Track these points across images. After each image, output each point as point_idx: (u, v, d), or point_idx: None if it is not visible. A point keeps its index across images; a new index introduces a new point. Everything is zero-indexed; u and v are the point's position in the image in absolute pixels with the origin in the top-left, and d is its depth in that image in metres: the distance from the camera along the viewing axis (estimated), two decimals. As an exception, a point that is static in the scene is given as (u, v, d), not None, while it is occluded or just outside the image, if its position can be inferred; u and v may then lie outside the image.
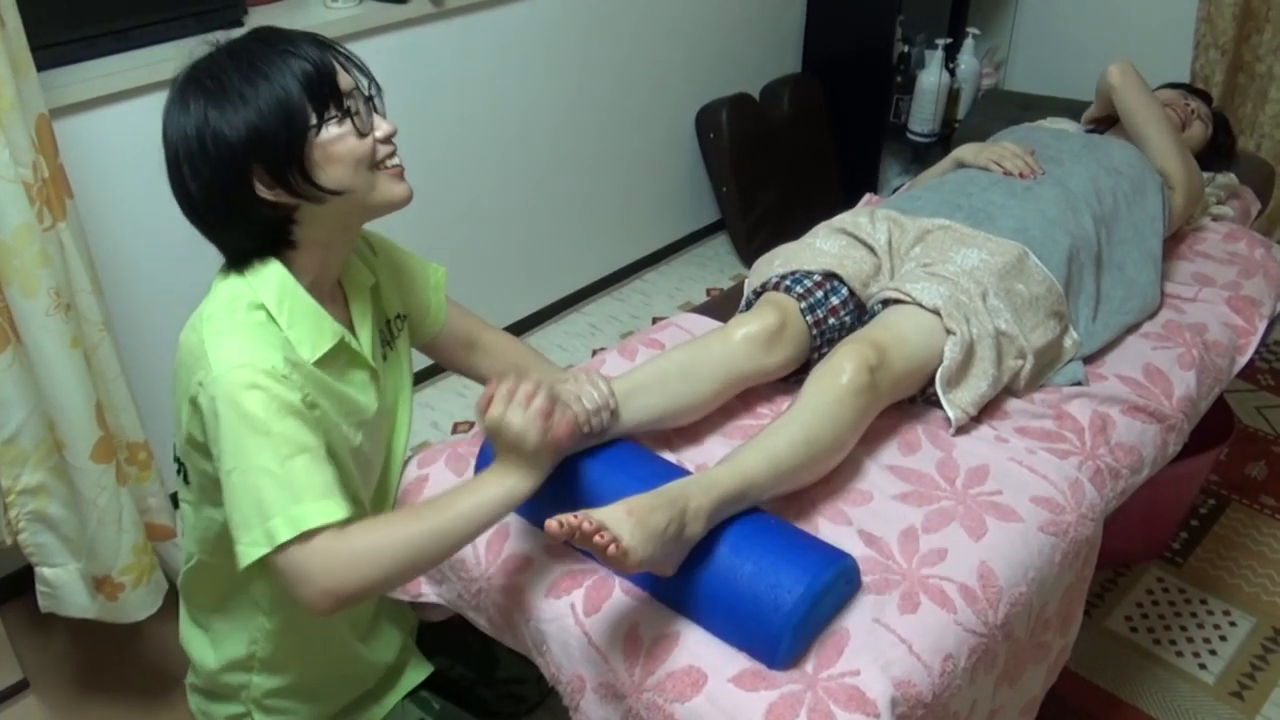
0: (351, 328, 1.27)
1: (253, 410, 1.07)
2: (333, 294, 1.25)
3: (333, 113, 1.12)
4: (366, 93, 1.15)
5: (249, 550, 1.07)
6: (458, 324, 1.47)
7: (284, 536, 1.05)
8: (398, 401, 1.38)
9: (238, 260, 1.17)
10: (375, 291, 1.33)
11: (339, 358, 1.21)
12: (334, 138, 1.12)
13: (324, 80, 1.11)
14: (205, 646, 1.35)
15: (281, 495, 1.06)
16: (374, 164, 1.15)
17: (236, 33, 1.15)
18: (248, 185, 1.10)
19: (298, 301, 1.16)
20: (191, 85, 1.10)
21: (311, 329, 1.17)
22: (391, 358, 1.36)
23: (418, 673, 1.48)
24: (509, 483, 1.13)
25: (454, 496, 1.12)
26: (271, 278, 1.16)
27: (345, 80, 1.13)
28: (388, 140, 1.17)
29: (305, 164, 1.11)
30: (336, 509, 1.08)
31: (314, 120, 1.10)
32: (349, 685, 1.42)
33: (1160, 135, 2.00)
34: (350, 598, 1.07)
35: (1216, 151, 2.22)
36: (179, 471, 1.25)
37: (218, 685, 1.35)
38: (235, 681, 1.34)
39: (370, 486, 1.34)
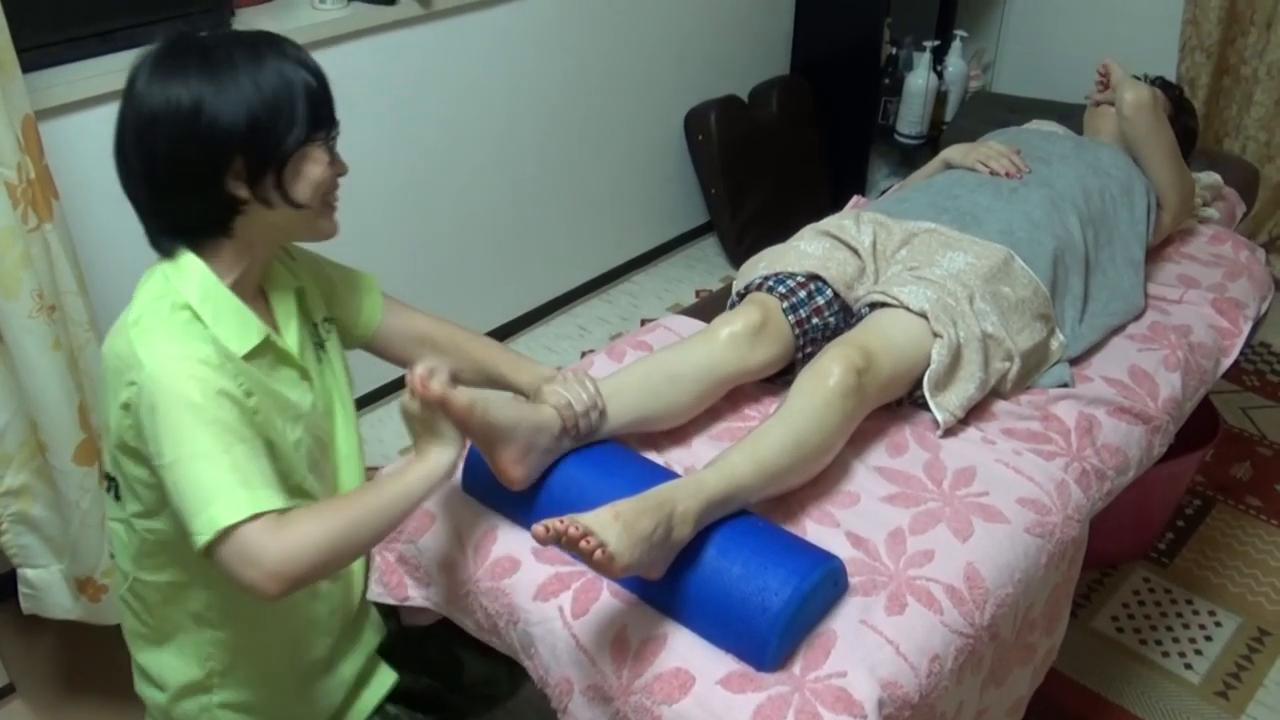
0: (276, 329, 1.28)
1: (191, 398, 1.09)
2: (255, 297, 1.27)
3: (321, 134, 1.18)
4: (337, 129, 1.21)
5: (201, 536, 1.08)
6: (401, 322, 1.46)
7: (229, 520, 1.06)
8: (334, 402, 1.39)
9: (170, 232, 1.18)
10: (300, 295, 1.34)
11: (266, 355, 1.23)
12: (313, 158, 1.18)
13: (324, 99, 1.18)
14: (153, 686, 1.33)
15: (227, 479, 1.08)
16: (326, 195, 1.22)
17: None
18: (221, 171, 1.12)
19: (221, 299, 1.18)
20: (190, 55, 1.11)
21: (237, 326, 1.19)
22: (324, 359, 1.37)
23: (382, 683, 1.46)
24: (430, 458, 1.18)
25: (385, 481, 1.17)
26: (194, 277, 1.17)
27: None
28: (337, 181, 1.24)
29: (284, 171, 1.15)
30: (277, 498, 1.10)
31: (307, 134, 1.15)
32: (314, 700, 1.40)
33: (1162, 169, 1.98)
34: (297, 579, 1.08)
35: (1182, 135, 2.21)
36: (109, 489, 1.25)
37: (175, 717, 1.34)
38: (194, 707, 1.32)
39: (326, 485, 1.34)
